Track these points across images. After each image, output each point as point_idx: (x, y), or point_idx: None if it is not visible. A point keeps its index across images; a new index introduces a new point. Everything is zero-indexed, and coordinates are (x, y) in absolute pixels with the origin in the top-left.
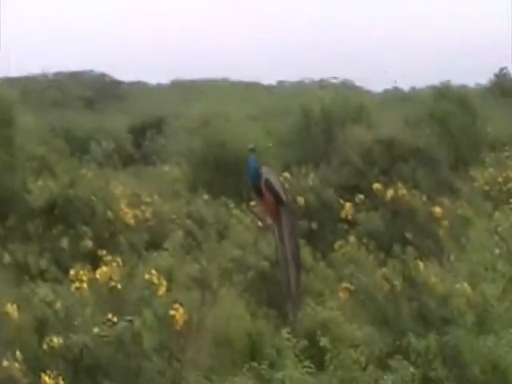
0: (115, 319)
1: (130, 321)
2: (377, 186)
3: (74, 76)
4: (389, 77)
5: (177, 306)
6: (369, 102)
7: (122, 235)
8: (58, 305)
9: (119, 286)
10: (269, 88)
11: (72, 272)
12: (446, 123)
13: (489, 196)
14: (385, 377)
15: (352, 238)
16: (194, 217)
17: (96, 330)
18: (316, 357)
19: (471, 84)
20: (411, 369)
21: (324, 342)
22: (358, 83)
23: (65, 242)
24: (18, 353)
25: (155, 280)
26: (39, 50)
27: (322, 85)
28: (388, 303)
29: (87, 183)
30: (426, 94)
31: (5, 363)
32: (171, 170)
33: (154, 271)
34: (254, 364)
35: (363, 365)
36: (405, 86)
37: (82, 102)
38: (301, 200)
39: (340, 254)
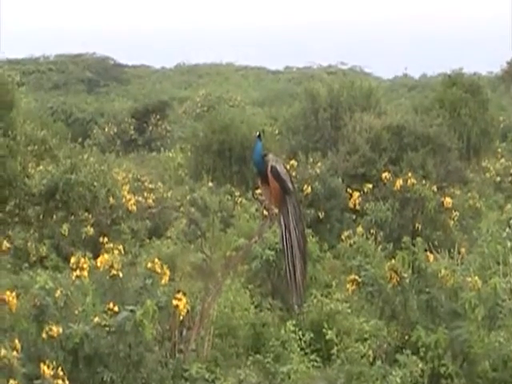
0: (116, 308)
1: (132, 310)
2: (386, 174)
3: (77, 59)
4: (399, 63)
5: (179, 295)
6: (378, 89)
7: (124, 222)
8: (58, 293)
9: (121, 275)
10: (275, 73)
11: (72, 259)
12: (457, 111)
13: (500, 187)
14: (393, 372)
15: (360, 229)
16: (198, 204)
17: (96, 319)
18: (322, 350)
19: (483, 72)
20: (420, 364)
21: (331, 334)
22: (367, 69)
23: (65, 229)
24: (16, 341)
25: (158, 269)
26: (41, 32)
27: (330, 71)
28: (396, 296)
29: (89, 168)
30: (436, 81)
31: (2, 352)
32: (175, 155)
33: (156, 259)
34: (259, 357)
35: (371, 359)
36: (415, 73)
37: (84, 85)
38: (308, 189)
39: (347, 245)
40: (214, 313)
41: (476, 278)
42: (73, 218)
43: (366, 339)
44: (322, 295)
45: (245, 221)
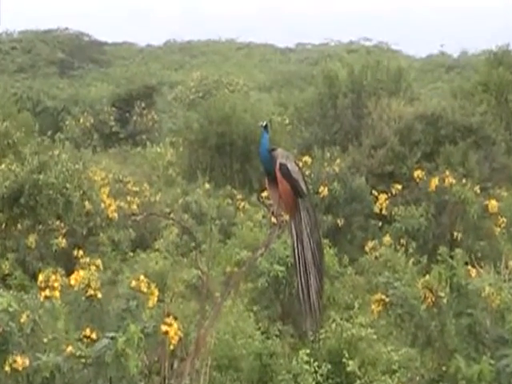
0: (94, 336)
1: (113, 338)
2: (418, 173)
3: (45, 35)
4: (434, 39)
5: (170, 320)
6: (409, 70)
7: (103, 232)
8: (24, 317)
9: (99, 295)
10: (285, 52)
11: (41, 277)
12: (504, 96)
13: None
14: None
15: (387, 238)
16: (192, 210)
17: (70, 348)
18: None
19: None
20: None
21: (352, 366)
22: (395, 46)
23: (32, 240)
24: None
25: (144, 288)
26: (3, 5)
27: (351, 48)
28: (432, 319)
29: (60, 167)
30: (479, 60)
31: None
32: (164, 151)
33: (142, 277)
34: None
35: None
36: (453, 51)
37: (54, 67)
38: (324, 190)
39: (372, 258)
40: (212, 341)
41: None
42: (41, 227)
43: (394, 371)
44: (341, 319)
45: (248, 230)
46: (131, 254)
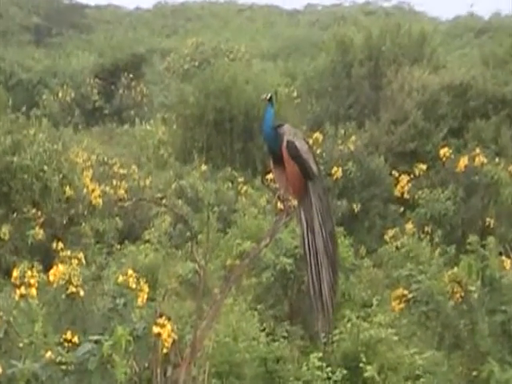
0: (76, 339)
1: (97, 342)
2: (445, 151)
3: None
4: None
5: (163, 320)
6: (434, 34)
7: (86, 221)
8: None
9: (82, 293)
10: (293, 14)
11: (15, 272)
12: None
13: None
14: None
15: (410, 226)
16: (188, 196)
17: (49, 354)
18: None
19: None
20: None
21: (370, 371)
22: (418, 7)
23: (5, 231)
24: None
25: (132, 284)
26: None
27: (368, 10)
28: (460, 317)
29: (37, 148)
30: None
31: None
32: (155, 129)
33: (130, 272)
34: None
35: None
36: (484, 12)
37: (29, 35)
38: (338, 172)
39: (393, 248)
40: (211, 344)
41: None
42: (15, 216)
43: (418, 377)
44: (358, 318)
45: (251, 217)
46: (118, 245)
